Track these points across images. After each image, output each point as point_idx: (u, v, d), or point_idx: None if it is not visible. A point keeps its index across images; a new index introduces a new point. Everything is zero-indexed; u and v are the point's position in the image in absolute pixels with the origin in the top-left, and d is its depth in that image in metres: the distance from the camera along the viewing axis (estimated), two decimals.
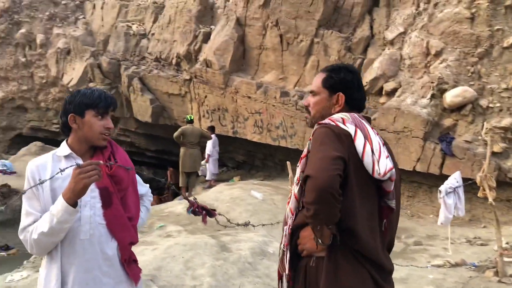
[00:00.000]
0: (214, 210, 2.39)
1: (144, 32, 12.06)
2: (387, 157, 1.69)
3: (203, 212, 2.35)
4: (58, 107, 14.09)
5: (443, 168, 6.98)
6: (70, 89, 13.14)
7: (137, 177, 1.99)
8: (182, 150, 8.67)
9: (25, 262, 4.55)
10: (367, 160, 1.64)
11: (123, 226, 1.80)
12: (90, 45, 13.18)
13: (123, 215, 1.80)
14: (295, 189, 1.74)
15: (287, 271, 1.72)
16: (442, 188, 4.93)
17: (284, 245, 1.75)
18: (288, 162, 5.60)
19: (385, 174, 1.64)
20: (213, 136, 9.57)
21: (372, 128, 1.79)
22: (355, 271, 1.61)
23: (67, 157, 1.78)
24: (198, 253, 4.54)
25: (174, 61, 10.88)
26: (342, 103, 1.81)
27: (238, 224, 2.76)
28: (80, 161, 1.75)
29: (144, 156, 13.82)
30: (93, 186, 1.73)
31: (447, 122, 7.16)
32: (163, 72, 11.10)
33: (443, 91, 7.17)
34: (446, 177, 5.50)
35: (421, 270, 4.82)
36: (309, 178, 1.53)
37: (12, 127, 15.50)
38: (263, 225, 4.23)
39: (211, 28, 10.41)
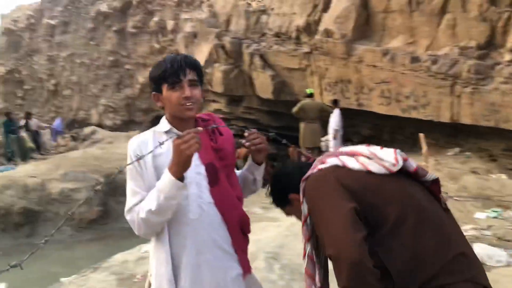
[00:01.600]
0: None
1: (264, 8, 12.02)
2: (381, 148, 1.53)
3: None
4: None
5: None
6: None
7: None
8: (302, 125, 8.48)
9: None
10: (374, 167, 1.45)
11: (232, 205, 1.64)
12: (214, 27, 13.65)
13: (231, 194, 1.64)
14: (307, 248, 1.50)
15: None
16: None
17: None
18: (421, 135, 5.02)
19: (396, 160, 1.46)
20: (336, 110, 9.17)
21: None
22: None
23: (167, 132, 1.68)
24: None
25: (293, 35, 10.64)
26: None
27: None
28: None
29: (268, 132, 13.97)
30: (198, 162, 1.59)
31: None
32: (282, 47, 10.96)
33: None
34: None
35: None
36: (332, 259, 1.29)
37: (152, 109, 17.03)
38: None
39: None
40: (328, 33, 9.38)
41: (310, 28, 10.15)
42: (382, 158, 1.47)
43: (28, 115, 14.00)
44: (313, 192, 1.45)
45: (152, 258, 1.65)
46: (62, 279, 4.30)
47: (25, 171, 9.44)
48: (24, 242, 7.64)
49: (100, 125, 16.83)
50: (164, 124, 1.72)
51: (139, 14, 16.55)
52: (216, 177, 1.61)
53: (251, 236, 1.76)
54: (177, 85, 1.61)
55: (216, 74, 12.49)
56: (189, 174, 1.55)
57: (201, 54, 13.74)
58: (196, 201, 1.59)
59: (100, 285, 3.82)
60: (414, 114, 8.32)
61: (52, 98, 18.58)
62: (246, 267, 1.66)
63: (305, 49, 10.29)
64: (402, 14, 8.37)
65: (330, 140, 9.25)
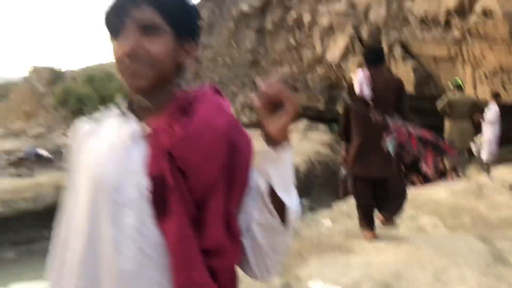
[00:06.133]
0: (452, 145, 1.23)
1: None
2: None
3: (423, 149, 1.11)
4: (323, 85, 14.40)
5: None
6: (333, 66, 13.10)
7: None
8: (448, 124, 7.11)
9: None
10: None
11: (186, 258, 0.83)
12: (351, 18, 12.73)
13: (188, 238, 0.83)
14: None
15: None
16: None
17: None
18: None
19: None
20: (493, 105, 7.48)
21: None
22: None
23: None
24: (456, 263, 3.29)
25: (442, 19, 9.13)
26: None
27: None
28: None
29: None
30: (140, 168, 0.86)
31: None
32: (428, 33, 9.52)
33: None
34: None
35: None
36: None
37: None
38: None
39: None
40: (486, 13, 7.74)
41: (463, 10, 8.56)
42: None
43: None
44: None
45: None
46: None
47: None
48: None
49: None
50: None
51: (278, 12, 16.48)
52: (163, 203, 0.83)
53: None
54: (119, 33, 0.89)
55: (352, 68, 11.59)
56: (127, 189, 0.85)
57: (336, 48, 12.97)
58: (132, 239, 0.84)
59: None
60: None
61: None
62: None
63: (456, 34, 8.73)
64: None
65: (483, 141, 7.59)
